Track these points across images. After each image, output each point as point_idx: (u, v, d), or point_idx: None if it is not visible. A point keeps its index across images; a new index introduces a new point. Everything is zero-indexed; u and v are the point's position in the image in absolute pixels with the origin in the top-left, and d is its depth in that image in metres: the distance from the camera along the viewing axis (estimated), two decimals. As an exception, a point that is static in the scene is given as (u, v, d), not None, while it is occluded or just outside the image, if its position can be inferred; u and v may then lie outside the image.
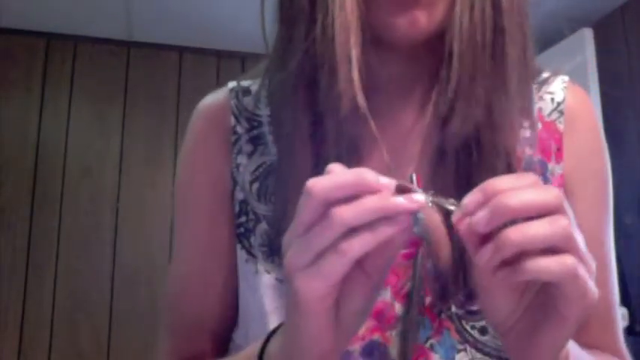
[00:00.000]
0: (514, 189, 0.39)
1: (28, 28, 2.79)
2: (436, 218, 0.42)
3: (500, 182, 0.40)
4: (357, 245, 0.39)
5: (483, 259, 0.39)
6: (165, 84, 2.94)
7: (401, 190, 0.41)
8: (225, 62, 2.97)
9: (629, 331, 2.24)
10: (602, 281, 0.62)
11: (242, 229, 0.63)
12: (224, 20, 2.62)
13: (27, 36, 2.81)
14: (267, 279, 0.60)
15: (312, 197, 0.39)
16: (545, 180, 0.60)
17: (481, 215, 0.39)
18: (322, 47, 0.52)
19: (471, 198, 0.40)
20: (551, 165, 0.61)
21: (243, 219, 0.63)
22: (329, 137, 0.55)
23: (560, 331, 0.42)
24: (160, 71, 2.94)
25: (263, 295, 0.60)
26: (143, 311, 2.71)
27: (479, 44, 0.53)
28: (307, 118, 0.55)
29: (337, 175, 0.40)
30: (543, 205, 0.39)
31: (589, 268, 0.40)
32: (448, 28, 0.54)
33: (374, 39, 0.55)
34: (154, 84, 2.93)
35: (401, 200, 0.39)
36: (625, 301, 2.26)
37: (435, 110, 0.58)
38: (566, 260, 0.39)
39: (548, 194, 0.39)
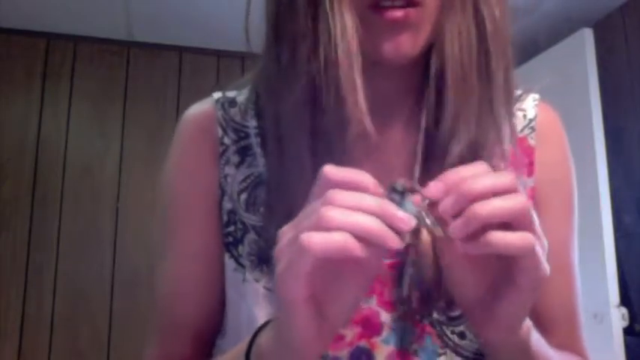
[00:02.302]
0: (473, 176, 0.45)
1: (28, 28, 2.79)
2: (426, 240, 0.47)
3: (459, 172, 0.45)
4: (319, 242, 0.41)
5: (456, 231, 0.44)
6: (165, 84, 2.94)
7: (393, 189, 0.45)
8: (225, 62, 2.98)
9: (629, 331, 2.24)
10: (567, 286, 0.66)
11: (230, 239, 0.64)
12: (224, 20, 2.62)
13: (27, 36, 2.81)
14: (255, 287, 0.61)
15: (332, 208, 0.42)
16: None
17: (448, 200, 0.44)
18: (327, 73, 0.54)
19: (434, 187, 0.45)
20: (523, 178, 0.65)
21: (231, 228, 0.64)
22: (334, 156, 0.55)
23: (517, 301, 0.47)
24: (160, 71, 2.94)
25: (252, 304, 0.61)
26: (143, 311, 2.71)
27: (467, 68, 0.56)
28: (308, 137, 0.57)
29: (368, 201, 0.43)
30: (501, 187, 0.44)
31: (542, 243, 0.45)
32: (436, 53, 0.57)
33: (364, 56, 0.57)
34: (153, 84, 2.93)
35: (392, 238, 0.42)
36: (625, 301, 2.26)
37: (423, 125, 0.61)
38: (527, 237, 0.44)
39: (505, 178, 0.45)
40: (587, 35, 2.44)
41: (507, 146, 0.61)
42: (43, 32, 2.81)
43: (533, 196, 0.65)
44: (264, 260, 0.61)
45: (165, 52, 2.95)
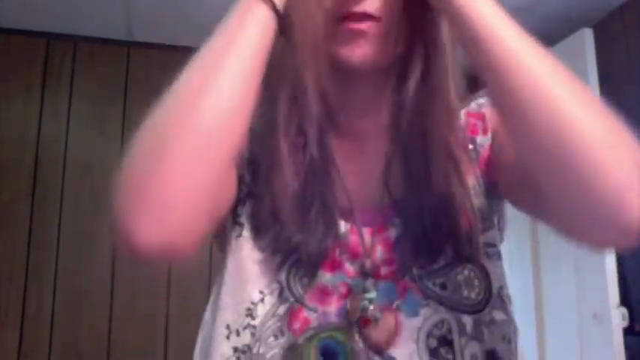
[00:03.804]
0: None
1: (28, 28, 2.79)
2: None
3: None
4: None
5: None
6: (165, 84, 2.93)
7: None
8: (225, 62, 2.97)
9: (629, 331, 2.24)
10: None
11: (237, 198, 0.71)
12: (224, 20, 2.62)
13: (27, 36, 2.81)
14: (250, 245, 0.69)
15: None
16: (476, 152, 0.73)
17: None
18: (295, 74, 0.68)
19: None
20: (479, 138, 0.74)
21: (237, 190, 0.71)
22: (309, 144, 0.69)
23: None
24: (160, 71, 2.94)
25: (244, 257, 0.68)
26: (143, 311, 2.71)
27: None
28: (292, 129, 0.69)
29: None
30: None
31: None
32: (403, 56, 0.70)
33: (339, 67, 0.69)
34: (153, 84, 2.92)
35: None
36: (625, 301, 2.26)
37: (391, 130, 0.72)
38: None
39: None
40: (587, 35, 2.44)
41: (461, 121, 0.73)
42: (43, 32, 2.81)
43: (490, 154, 0.73)
44: (259, 227, 0.69)
45: (165, 52, 2.95)
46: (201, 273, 2.52)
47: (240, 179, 0.71)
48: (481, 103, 0.77)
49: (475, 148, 0.74)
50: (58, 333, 2.63)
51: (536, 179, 0.56)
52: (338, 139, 0.73)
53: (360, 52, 0.65)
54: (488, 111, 0.75)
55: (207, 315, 0.72)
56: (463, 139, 0.73)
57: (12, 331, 2.59)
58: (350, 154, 0.73)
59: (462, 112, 0.76)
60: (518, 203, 0.70)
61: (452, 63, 0.69)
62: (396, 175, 0.71)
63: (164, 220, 0.53)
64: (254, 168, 0.72)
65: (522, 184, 0.63)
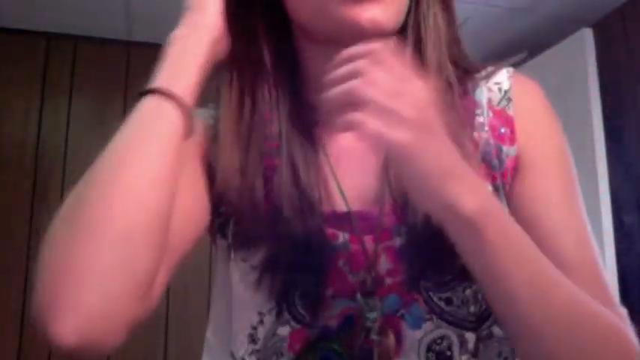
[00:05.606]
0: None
1: (28, 28, 2.79)
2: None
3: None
4: None
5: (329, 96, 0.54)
6: (165, 84, 2.94)
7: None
8: (225, 62, 2.97)
9: (629, 331, 2.23)
10: (580, 242, 0.66)
11: (222, 219, 0.69)
12: (224, 20, 2.62)
13: (27, 36, 2.81)
14: (242, 266, 0.67)
15: None
16: (500, 162, 0.67)
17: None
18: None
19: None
20: (505, 147, 0.68)
21: (222, 209, 0.69)
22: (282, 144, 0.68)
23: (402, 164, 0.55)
24: (160, 71, 2.94)
25: (237, 280, 0.67)
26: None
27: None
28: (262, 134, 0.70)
29: None
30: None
31: (391, 113, 0.51)
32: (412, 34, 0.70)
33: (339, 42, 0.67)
34: (153, 84, 2.92)
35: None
36: (625, 301, 2.26)
37: None
38: (353, 116, 0.51)
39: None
40: (587, 35, 2.44)
41: (482, 116, 0.69)
42: (43, 32, 2.81)
43: (516, 166, 0.67)
44: (244, 246, 0.66)
45: (165, 52, 2.95)
46: (201, 274, 2.52)
47: (221, 197, 0.67)
48: (506, 96, 0.70)
49: (500, 157, 0.68)
50: (58, 333, 2.63)
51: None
52: (332, 138, 0.70)
53: (371, 15, 0.62)
54: (516, 116, 0.69)
55: (210, 336, 0.71)
56: (472, 131, 0.68)
57: (12, 332, 2.59)
58: (346, 152, 0.69)
59: (484, 101, 0.70)
60: None
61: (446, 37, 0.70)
62: (397, 175, 0.67)
63: (79, 317, 0.52)
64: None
65: None
